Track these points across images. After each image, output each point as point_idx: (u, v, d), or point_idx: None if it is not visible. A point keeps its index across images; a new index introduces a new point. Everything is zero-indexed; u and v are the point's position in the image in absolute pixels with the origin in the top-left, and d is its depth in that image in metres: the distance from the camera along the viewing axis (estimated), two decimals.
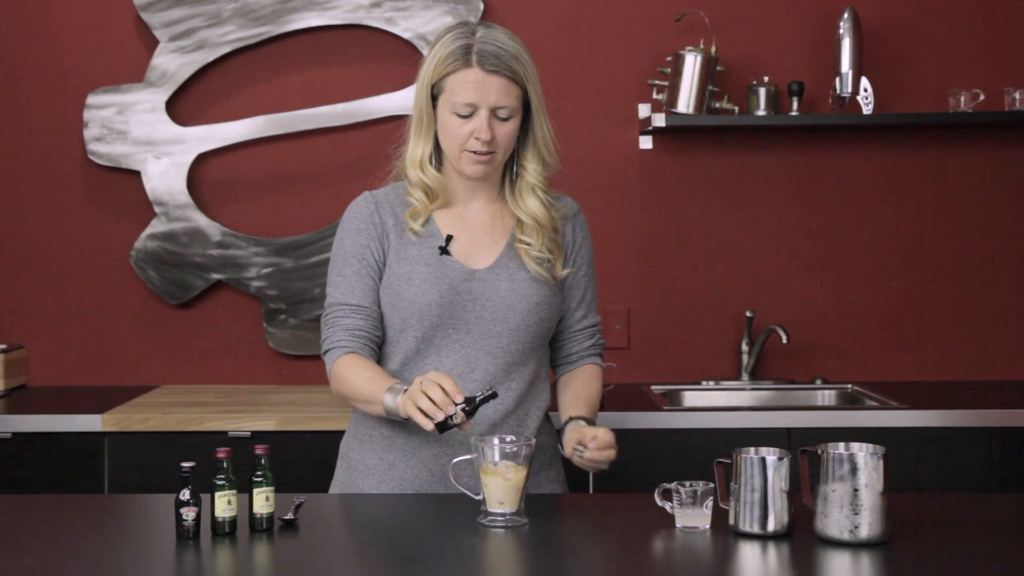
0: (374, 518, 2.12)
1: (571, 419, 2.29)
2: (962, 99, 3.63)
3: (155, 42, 3.71)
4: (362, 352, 2.25)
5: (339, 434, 3.12)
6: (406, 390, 2.06)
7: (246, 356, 3.78)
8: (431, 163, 2.29)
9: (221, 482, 1.93)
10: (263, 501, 1.96)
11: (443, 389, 2.00)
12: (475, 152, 2.22)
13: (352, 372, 2.22)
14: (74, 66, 3.74)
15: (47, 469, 3.16)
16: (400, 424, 2.26)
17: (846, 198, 3.79)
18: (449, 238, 2.28)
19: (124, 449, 3.15)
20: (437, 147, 2.30)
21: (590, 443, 2.16)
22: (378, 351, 2.30)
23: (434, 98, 2.25)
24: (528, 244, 2.28)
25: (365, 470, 2.30)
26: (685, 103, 3.57)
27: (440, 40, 2.25)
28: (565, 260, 2.34)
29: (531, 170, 2.30)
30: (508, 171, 2.33)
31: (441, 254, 2.26)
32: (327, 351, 2.28)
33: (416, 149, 2.29)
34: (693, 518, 1.95)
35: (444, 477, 2.22)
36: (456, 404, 1.99)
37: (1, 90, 3.76)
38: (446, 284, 2.24)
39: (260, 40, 3.72)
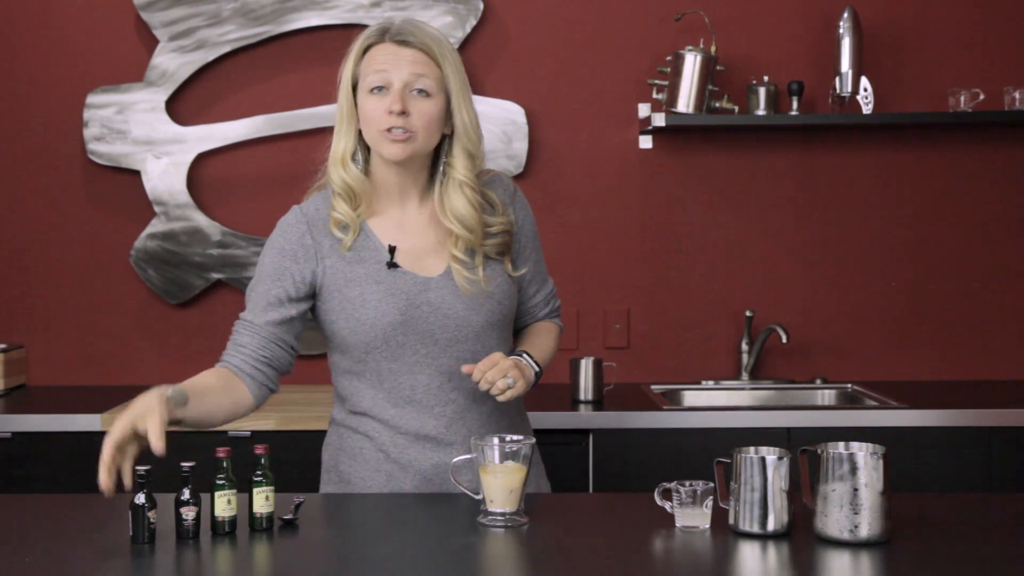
0: (374, 518, 2.12)
1: (512, 354, 2.23)
2: (962, 99, 3.62)
3: (155, 42, 3.71)
4: (235, 367, 2.17)
5: None
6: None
7: None
8: (354, 161, 2.21)
9: (221, 482, 1.93)
10: (263, 501, 1.96)
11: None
12: (389, 130, 2.13)
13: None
14: (74, 66, 3.74)
15: (47, 469, 3.16)
16: (395, 436, 2.22)
17: (846, 198, 3.79)
18: (393, 249, 2.20)
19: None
20: (365, 149, 2.23)
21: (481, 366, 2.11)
22: (266, 369, 2.20)
23: (355, 91, 2.21)
24: (463, 263, 2.19)
25: (360, 483, 2.25)
26: (685, 103, 3.57)
27: (357, 38, 2.23)
28: (516, 253, 2.27)
29: (459, 167, 2.20)
30: (436, 171, 2.24)
31: (389, 268, 2.19)
32: (217, 361, 2.21)
33: (338, 146, 2.21)
34: (693, 518, 1.95)
35: (444, 487, 2.21)
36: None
37: (1, 90, 3.76)
38: (403, 299, 2.17)
39: (260, 40, 3.72)
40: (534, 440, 2.05)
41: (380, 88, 2.16)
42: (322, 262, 2.21)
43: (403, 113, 2.13)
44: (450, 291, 2.20)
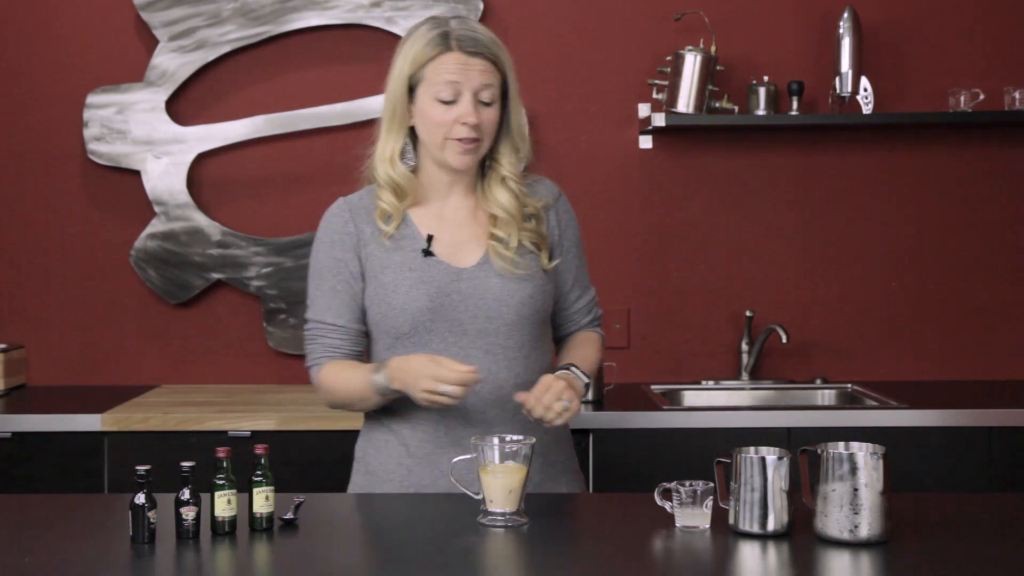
0: (374, 518, 2.12)
1: (557, 369, 2.27)
2: (962, 99, 3.62)
3: (155, 42, 3.71)
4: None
5: (339, 433, 3.12)
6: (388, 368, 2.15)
7: (246, 356, 3.78)
8: (402, 159, 2.25)
9: (221, 482, 1.93)
10: (263, 501, 1.96)
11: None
12: (461, 139, 2.19)
13: (336, 377, 2.25)
14: (74, 66, 3.74)
15: (47, 469, 3.16)
16: (415, 431, 2.24)
17: (846, 198, 3.79)
18: (430, 238, 2.24)
19: (124, 449, 3.15)
20: (413, 143, 2.27)
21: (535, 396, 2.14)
22: (358, 360, 2.30)
23: (411, 91, 2.22)
24: (501, 240, 2.24)
25: (384, 475, 2.28)
26: (685, 103, 3.57)
27: (414, 34, 2.23)
28: (551, 250, 2.31)
29: (505, 163, 2.26)
30: (481, 164, 2.29)
31: (424, 256, 2.23)
32: (311, 367, 2.30)
33: (387, 145, 2.24)
34: (693, 518, 1.95)
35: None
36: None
37: (1, 90, 3.76)
38: (434, 287, 2.21)
39: (260, 40, 3.72)
40: (534, 440, 2.05)
41: (451, 101, 2.19)
42: (364, 248, 2.25)
43: (476, 124, 2.19)
44: (482, 282, 2.22)
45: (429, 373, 2.07)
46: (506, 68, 2.23)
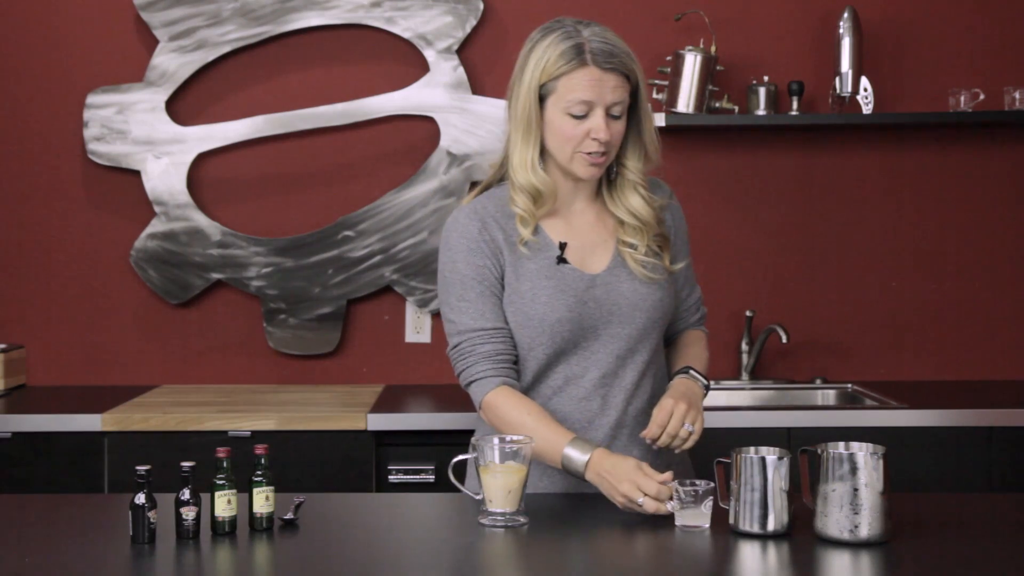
0: (374, 518, 2.12)
1: (675, 373, 2.27)
2: (962, 99, 3.62)
3: (155, 42, 3.71)
4: (510, 380, 2.19)
5: (339, 433, 3.13)
6: (593, 450, 2.08)
7: (246, 356, 3.78)
8: (540, 166, 2.21)
9: (221, 482, 1.93)
10: (263, 501, 1.96)
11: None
12: (590, 153, 2.16)
13: (511, 418, 2.15)
14: (74, 66, 3.74)
15: (47, 469, 3.16)
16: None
17: (846, 198, 3.79)
18: (563, 246, 2.22)
19: (124, 449, 3.15)
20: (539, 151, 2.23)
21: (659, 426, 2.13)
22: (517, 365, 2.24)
23: (540, 99, 2.18)
24: (632, 247, 2.24)
25: None
26: (685, 103, 3.57)
27: (541, 42, 2.21)
28: (672, 252, 2.30)
29: (632, 168, 2.24)
30: (606, 170, 2.27)
31: (558, 263, 2.21)
32: (472, 382, 2.20)
33: (525, 153, 2.19)
34: (693, 518, 1.95)
35: (580, 487, 2.19)
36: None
37: (1, 90, 3.76)
38: (572, 296, 2.19)
39: (260, 40, 3.72)
40: (533, 441, 2.05)
41: (582, 115, 2.16)
42: (502, 255, 2.22)
43: (608, 140, 2.17)
44: (614, 287, 2.21)
45: (633, 479, 2.02)
46: (639, 78, 2.20)
